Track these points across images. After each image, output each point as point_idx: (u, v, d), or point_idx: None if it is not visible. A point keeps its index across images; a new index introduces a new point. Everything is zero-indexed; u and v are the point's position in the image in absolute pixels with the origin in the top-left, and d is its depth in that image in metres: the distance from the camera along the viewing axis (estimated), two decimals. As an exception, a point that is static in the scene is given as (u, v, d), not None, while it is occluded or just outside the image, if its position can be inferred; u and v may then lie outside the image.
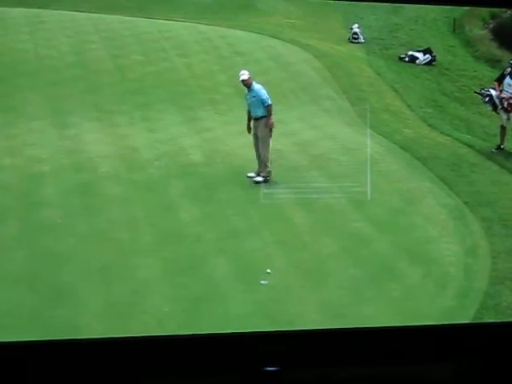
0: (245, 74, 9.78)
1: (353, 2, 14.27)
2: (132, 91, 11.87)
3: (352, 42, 14.31)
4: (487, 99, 11.06)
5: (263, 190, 9.26)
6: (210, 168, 9.82)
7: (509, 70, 10.98)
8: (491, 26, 14.44)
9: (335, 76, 12.85)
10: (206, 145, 10.51)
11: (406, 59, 13.85)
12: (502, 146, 11.00)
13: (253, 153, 9.76)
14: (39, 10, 13.99)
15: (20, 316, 6.80)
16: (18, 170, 9.39)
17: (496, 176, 10.34)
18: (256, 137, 9.74)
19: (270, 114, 9.68)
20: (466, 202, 9.51)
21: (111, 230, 8.28)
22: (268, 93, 9.72)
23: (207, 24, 14.22)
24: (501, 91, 10.94)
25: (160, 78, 12.39)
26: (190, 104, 11.70)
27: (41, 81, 11.79)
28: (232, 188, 9.40)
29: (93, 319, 6.84)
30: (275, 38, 14.04)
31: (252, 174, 9.67)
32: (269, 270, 7.72)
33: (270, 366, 5.53)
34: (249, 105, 9.82)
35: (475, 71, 13.58)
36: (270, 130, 9.66)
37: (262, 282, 7.60)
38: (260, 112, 9.71)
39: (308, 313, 7.24)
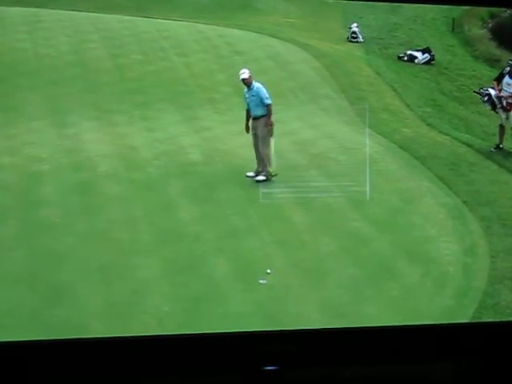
0: (245, 73, 9.78)
1: (352, 2, 14.24)
2: (131, 90, 11.86)
3: (351, 42, 14.30)
4: (486, 98, 11.07)
5: (262, 189, 9.27)
6: (209, 167, 9.82)
7: (508, 69, 10.99)
8: (490, 25, 14.42)
9: (334, 75, 12.85)
10: (205, 144, 10.50)
11: (405, 58, 13.84)
12: (500, 146, 11.01)
13: (252, 152, 9.77)
14: (37, 10, 13.95)
15: (19, 316, 6.80)
16: (17, 170, 9.38)
17: (495, 175, 10.35)
18: (256, 136, 9.75)
19: (270, 114, 9.69)
20: (464, 202, 9.52)
21: (110, 229, 8.28)
22: (268, 92, 9.73)
23: (206, 23, 14.19)
24: (500, 90, 10.95)
25: (159, 77, 12.38)
26: (189, 103, 11.69)
27: (40, 80, 11.78)
28: (231, 187, 9.40)
29: (92, 319, 6.85)
30: (274, 37, 14.03)
31: (251, 174, 9.67)
32: (269, 271, 7.73)
33: (270, 366, 5.55)
34: (248, 104, 9.82)
35: (474, 70, 13.57)
36: (271, 129, 9.67)
37: (261, 281, 7.61)
38: (259, 111, 9.72)
39: (307, 312, 7.25)
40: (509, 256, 8.41)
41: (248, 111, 9.82)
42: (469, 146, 11.14)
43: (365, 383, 5.83)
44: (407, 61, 13.80)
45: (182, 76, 12.55)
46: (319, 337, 5.87)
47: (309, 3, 14.33)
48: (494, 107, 11.01)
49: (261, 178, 9.62)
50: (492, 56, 13.62)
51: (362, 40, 14.28)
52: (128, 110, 11.32)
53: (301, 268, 7.96)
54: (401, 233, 8.75)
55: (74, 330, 6.63)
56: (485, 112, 11.58)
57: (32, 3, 13.78)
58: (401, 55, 13.92)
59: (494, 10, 13.22)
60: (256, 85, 9.77)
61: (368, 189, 9.04)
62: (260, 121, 9.72)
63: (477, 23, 14.51)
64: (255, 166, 9.72)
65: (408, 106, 12.35)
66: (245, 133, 9.84)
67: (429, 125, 11.79)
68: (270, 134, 9.68)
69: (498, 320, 7.42)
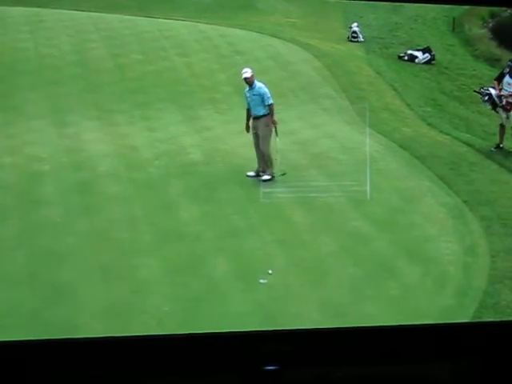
0: (248, 72, 9.77)
1: (353, 1, 14.24)
2: (132, 90, 11.87)
3: (351, 41, 14.31)
4: (486, 98, 11.07)
5: (263, 189, 9.27)
6: (210, 167, 9.83)
7: (508, 69, 10.99)
8: (491, 24, 14.43)
9: (335, 75, 12.85)
10: (205, 144, 10.51)
11: (406, 58, 13.84)
12: (501, 145, 11.01)
13: (253, 152, 9.77)
14: (38, 9, 13.97)
15: (19, 315, 6.80)
16: (17, 169, 9.39)
17: (495, 175, 10.35)
18: (256, 136, 9.74)
19: (272, 113, 9.69)
20: (465, 201, 9.52)
21: (111, 229, 8.29)
22: (270, 91, 9.74)
23: (207, 23, 14.21)
24: (500, 90, 10.95)
25: (160, 77, 12.39)
26: (189, 103, 11.70)
27: (41, 80, 11.79)
28: (232, 187, 9.40)
29: (92, 318, 6.85)
30: (275, 37, 14.03)
31: (252, 173, 9.68)
32: (270, 271, 7.73)
33: (270, 366, 5.55)
34: (248, 103, 9.82)
35: (474, 70, 13.58)
36: (275, 129, 9.67)
37: (262, 280, 7.61)
38: (261, 111, 9.71)
39: (307, 312, 7.25)
40: (509, 255, 8.41)
41: (248, 111, 9.82)
42: (469, 145, 11.14)
43: (365, 383, 5.83)
44: (408, 60, 13.80)
45: (183, 76, 12.55)
46: (319, 336, 5.87)
47: (309, 3, 14.33)
48: (494, 107, 11.01)
49: (266, 177, 9.63)
50: (492, 55, 13.63)
51: (362, 39, 14.29)
52: (129, 109, 11.33)
53: (301, 267, 7.97)
54: (401, 232, 8.76)
55: (74, 329, 6.64)
56: (485, 111, 11.58)
57: (34, 3, 13.81)
58: (401, 55, 13.93)
59: (495, 9, 13.23)
60: (258, 84, 9.78)
61: (368, 188, 9.05)
62: (261, 120, 9.72)
63: (477, 23, 14.52)
64: (256, 165, 9.73)
65: (408, 105, 12.35)
66: (245, 132, 9.84)
67: (429, 124, 11.80)
68: (275, 133, 9.68)
69: (499, 320, 7.42)
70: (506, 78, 10.95)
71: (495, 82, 11.10)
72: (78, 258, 7.69)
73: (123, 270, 7.61)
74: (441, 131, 11.57)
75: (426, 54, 13.78)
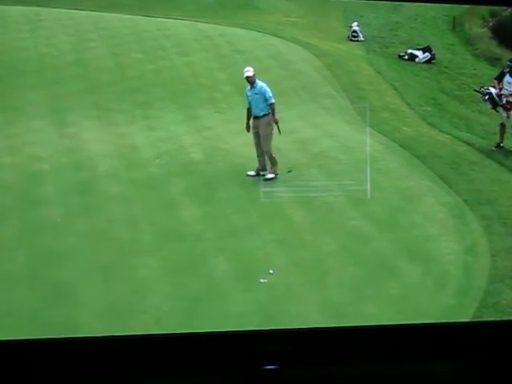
0: (250, 71, 9.76)
1: (353, 0, 14.24)
2: (132, 89, 11.87)
3: (351, 40, 14.30)
4: (487, 97, 11.06)
5: (263, 188, 9.27)
6: (211, 166, 9.82)
7: (508, 68, 10.98)
8: (491, 24, 14.41)
9: (335, 74, 12.84)
10: (206, 143, 10.50)
11: (406, 57, 13.83)
12: (501, 144, 11.00)
13: (253, 151, 9.77)
14: (38, 9, 13.96)
15: (19, 315, 6.80)
16: (17, 169, 9.39)
17: (496, 174, 10.34)
18: (257, 135, 9.74)
19: (274, 113, 9.69)
20: (465, 200, 9.51)
21: (111, 228, 8.29)
22: (272, 91, 9.74)
23: (207, 22, 14.19)
24: (500, 89, 10.94)
25: (160, 76, 12.38)
26: (190, 102, 11.69)
27: (41, 79, 11.78)
28: (232, 187, 9.40)
29: (92, 318, 6.85)
30: (275, 36, 14.02)
31: (252, 173, 9.67)
32: (271, 271, 7.72)
33: (270, 365, 5.55)
34: (249, 102, 9.81)
35: (475, 69, 13.56)
36: (277, 126, 9.67)
37: (262, 280, 7.61)
38: (262, 110, 9.71)
39: (308, 311, 7.25)
40: (509, 255, 8.41)
41: (249, 110, 9.81)
42: (469, 144, 11.13)
43: (365, 382, 5.83)
44: (408, 60, 13.79)
45: (183, 75, 12.55)
46: (319, 336, 5.87)
47: (310, 2, 14.33)
48: (494, 106, 11.01)
49: (270, 176, 9.64)
50: (493, 55, 13.61)
51: (362, 39, 14.27)
52: (129, 109, 11.33)
53: (301, 267, 7.96)
54: (401, 232, 8.75)
55: (73, 329, 6.64)
56: (485, 111, 11.57)
57: (33, 2, 13.79)
58: (401, 54, 13.91)
59: (495, 8, 13.22)
60: (259, 83, 9.77)
61: (369, 188, 9.04)
62: (261, 120, 9.72)
63: (477, 22, 14.50)
64: (256, 164, 9.72)
65: (409, 104, 12.34)
66: (245, 132, 9.84)
67: (429, 124, 11.79)
68: (278, 130, 9.68)
69: (499, 319, 7.41)
70: (507, 77, 10.94)
71: (495, 81, 11.09)
72: (78, 258, 7.69)
73: (123, 269, 7.60)
74: (441, 130, 11.57)
75: (427, 54, 13.77)
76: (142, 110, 11.35)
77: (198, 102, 11.75)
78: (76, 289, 7.21)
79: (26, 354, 5.36)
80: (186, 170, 9.69)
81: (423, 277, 8.00)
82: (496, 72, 11.59)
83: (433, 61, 13.78)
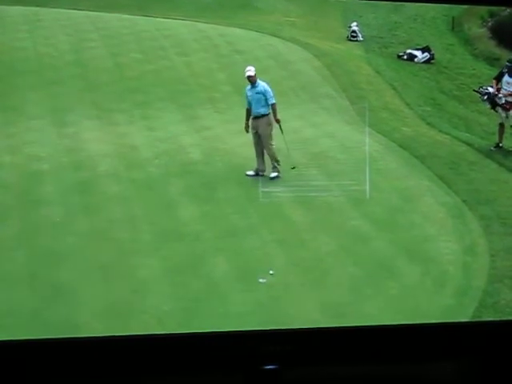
0: (251, 70, 9.75)
1: (352, 0, 14.25)
2: (131, 89, 11.87)
3: (350, 40, 14.31)
4: (486, 97, 11.07)
5: (262, 188, 9.27)
6: (210, 167, 9.83)
7: (506, 68, 10.98)
8: (490, 24, 14.43)
9: (334, 74, 12.85)
10: (205, 143, 10.51)
11: (405, 57, 13.84)
12: (500, 144, 11.01)
13: (252, 151, 9.77)
14: (37, 8, 13.96)
15: (19, 315, 6.80)
16: (17, 169, 9.39)
17: (495, 174, 10.35)
18: (256, 135, 9.73)
19: (276, 113, 9.69)
20: (464, 201, 9.51)
21: (110, 228, 8.29)
22: (272, 91, 9.75)
23: (206, 22, 14.20)
24: (499, 89, 10.95)
25: (159, 76, 12.38)
26: (189, 102, 11.70)
27: (40, 79, 11.78)
28: (231, 186, 9.41)
29: (92, 318, 6.85)
30: (275, 36, 14.03)
31: (251, 173, 9.68)
32: (271, 272, 7.72)
33: (270, 365, 5.55)
34: (249, 102, 9.79)
35: (474, 69, 13.58)
36: (279, 126, 9.67)
37: (261, 280, 7.61)
38: (262, 110, 9.69)
39: (307, 311, 7.25)
40: (508, 255, 8.41)
41: (248, 110, 9.81)
42: (468, 144, 11.14)
43: (365, 382, 5.83)
44: (407, 59, 13.80)
45: (182, 75, 12.55)
46: (319, 336, 5.87)
47: (309, 2, 14.35)
48: (493, 106, 11.02)
49: (274, 174, 9.66)
50: (492, 55, 13.63)
51: (361, 39, 14.29)
52: (128, 109, 11.33)
53: (301, 267, 7.97)
54: (400, 232, 8.76)
55: (74, 329, 6.64)
56: (484, 111, 11.58)
57: (32, 2, 13.79)
58: (400, 54, 13.92)
59: (494, 8, 13.23)
60: (261, 83, 9.76)
61: (368, 188, 9.05)
62: (261, 120, 9.71)
63: (476, 22, 14.52)
64: (255, 164, 9.73)
65: (408, 104, 12.36)
66: (244, 132, 9.84)
67: (428, 124, 11.80)
68: (281, 130, 9.69)
69: (498, 319, 7.42)
70: (505, 77, 10.95)
71: (494, 81, 11.09)
72: (78, 258, 7.69)
73: (123, 269, 7.60)
74: (440, 130, 11.58)
75: (426, 54, 13.78)
76: (141, 110, 11.36)
77: (198, 102, 11.75)
78: (76, 289, 7.21)
79: (26, 354, 5.35)
80: (185, 170, 9.70)
81: (422, 277, 8.01)
82: (495, 72, 11.60)
83: (432, 61, 13.79)
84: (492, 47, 13.88)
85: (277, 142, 9.73)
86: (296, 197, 9.17)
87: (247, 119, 9.80)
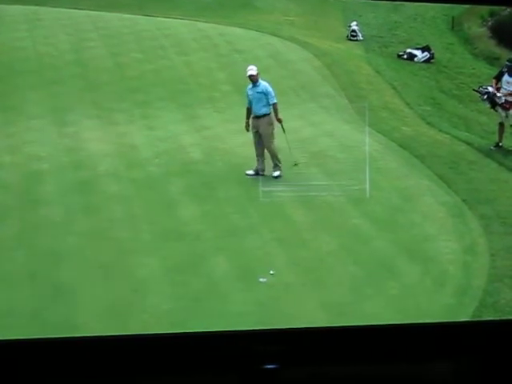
0: (253, 69, 9.71)
1: (352, 0, 14.27)
2: (131, 89, 11.89)
3: (350, 40, 14.33)
4: (485, 97, 11.07)
5: (262, 187, 9.26)
6: (210, 166, 9.82)
7: (506, 67, 10.98)
8: (490, 23, 14.46)
9: (334, 74, 12.87)
10: (205, 143, 10.51)
11: (405, 57, 13.86)
12: (500, 144, 11.02)
13: (252, 151, 9.76)
14: (37, 8, 13.99)
15: (19, 315, 6.79)
16: (17, 168, 9.40)
17: (494, 173, 10.35)
18: (257, 135, 9.70)
19: (277, 112, 9.67)
20: (464, 200, 9.51)
21: (111, 228, 8.28)
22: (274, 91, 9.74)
23: (206, 22, 14.23)
24: (499, 89, 10.95)
25: (159, 75, 12.40)
26: (189, 102, 11.71)
27: (40, 79, 11.80)
28: (231, 186, 9.40)
29: (92, 317, 6.84)
30: (274, 35, 14.05)
31: (251, 172, 9.67)
32: (272, 272, 7.71)
33: (269, 365, 5.54)
34: (250, 101, 9.75)
35: (474, 69, 13.60)
36: (281, 126, 9.67)
37: (261, 279, 7.61)
38: (263, 109, 9.67)
39: (308, 311, 7.24)
40: (508, 254, 8.41)
41: (248, 109, 9.78)
42: (468, 144, 11.15)
43: (364, 382, 5.82)
44: (407, 59, 13.82)
45: (182, 74, 12.57)
46: (318, 335, 5.86)
47: (308, 1, 14.38)
48: (493, 105, 11.02)
49: (277, 173, 9.66)
50: (491, 54, 13.65)
51: (361, 38, 14.31)
52: (128, 108, 11.34)
53: (301, 266, 7.95)
54: (400, 231, 8.75)
55: (73, 329, 6.62)
56: (484, 110, 11.60)
57: (32, 1, 13.82)
58: (400, 53, 13.95)
59: (494, 8, 13.24)
60: (262, 83, 9.73)
61: (368, 187, 9.05)
62: (262, 119, 9.68)
63: (476, 21, 14.55)
64: (255, 164, 9.72)
65: (408, 104, 12.37)
66: (244, 131, 9.82)
67: (428, 123, 11.81)
68: (283, 130, 9.68)
69: (498, 318, 7.41)
70: (505, 77, 10.95)
71: (494, 81, 11.09)
72: (78, 258, 7.68)
73: (123, 269, 7.59)
74: (440, 130, 11.59)
75: (425, 53, 13.80)
76: (141, 109, 11.37)
77: (197, 102, 11.76)
78: (76, 288, 7.20)
79: (26, 354, 5.35)
80: (185, 169, 9.70)
81: (422, 276, 7.99)
82: (495, 71, 11.62)
83: (432, 60, 13.81)
84: (492, 46, 13.91)
85: (278, 141, 9.72)
86: (296, 196, 9.16)
87: (247, 118, 9.77)
